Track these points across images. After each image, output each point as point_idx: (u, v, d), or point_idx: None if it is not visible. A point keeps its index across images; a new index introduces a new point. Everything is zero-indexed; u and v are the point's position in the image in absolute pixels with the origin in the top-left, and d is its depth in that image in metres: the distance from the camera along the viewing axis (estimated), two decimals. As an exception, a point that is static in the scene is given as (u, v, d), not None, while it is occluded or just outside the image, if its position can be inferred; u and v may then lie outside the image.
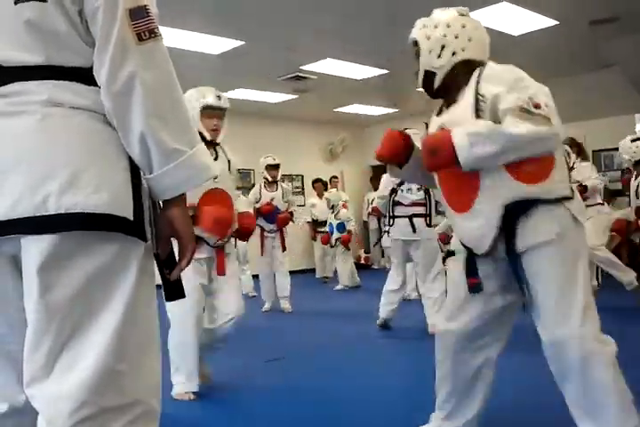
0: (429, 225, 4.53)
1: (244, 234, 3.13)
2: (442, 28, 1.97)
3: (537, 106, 1.74)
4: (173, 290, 1.20)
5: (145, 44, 1.05)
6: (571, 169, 5.40)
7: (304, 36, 6.06)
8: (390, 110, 10.16)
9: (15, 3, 1.03)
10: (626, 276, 5.32)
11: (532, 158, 1.80)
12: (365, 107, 9.78)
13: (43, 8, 1.03)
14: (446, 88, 1.99)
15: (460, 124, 1.84)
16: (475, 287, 1.97)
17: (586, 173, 5.38)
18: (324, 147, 11.05)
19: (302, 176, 10.61)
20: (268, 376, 3.40)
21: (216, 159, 2.97)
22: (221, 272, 2.93)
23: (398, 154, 2.09)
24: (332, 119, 10.53)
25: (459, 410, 2.10)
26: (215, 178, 2.68)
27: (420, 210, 4.51)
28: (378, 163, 2.20)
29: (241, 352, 3.71)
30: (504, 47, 6.75)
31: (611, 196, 7.25)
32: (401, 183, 4.44)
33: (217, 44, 6.17)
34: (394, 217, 4.52)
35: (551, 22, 5.89)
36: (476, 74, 1.90)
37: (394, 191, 4.51)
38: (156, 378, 1.13)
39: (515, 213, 1.85)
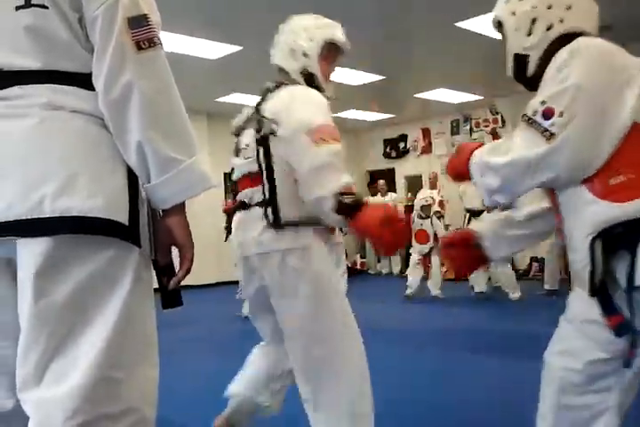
0: None
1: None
2: None
3: (548, 113, 1.29)
4: (171, 298, 1.17)
5: (144, 53, 1.04)
6: None
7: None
8: (386, 116, 10.17)
9: (16, 9, 1.03)
10: None
11: (618, 164, 1.28)
12: (361, 112, 9.79)
13: (43, 15, 1.03)
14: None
15: None
16: (621, 327, 1.32)
17: None
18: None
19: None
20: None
21: None
22: None
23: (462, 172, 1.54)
24: (329, 124, 10.52)
25: None
26: None
27: None
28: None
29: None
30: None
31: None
32: None
33: (214, 49, 6.19)
34: None
35: (547, 30, 5.91)
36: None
37: None
38: (150, 386, 1.10)
39: (633, 235, 1.30)
